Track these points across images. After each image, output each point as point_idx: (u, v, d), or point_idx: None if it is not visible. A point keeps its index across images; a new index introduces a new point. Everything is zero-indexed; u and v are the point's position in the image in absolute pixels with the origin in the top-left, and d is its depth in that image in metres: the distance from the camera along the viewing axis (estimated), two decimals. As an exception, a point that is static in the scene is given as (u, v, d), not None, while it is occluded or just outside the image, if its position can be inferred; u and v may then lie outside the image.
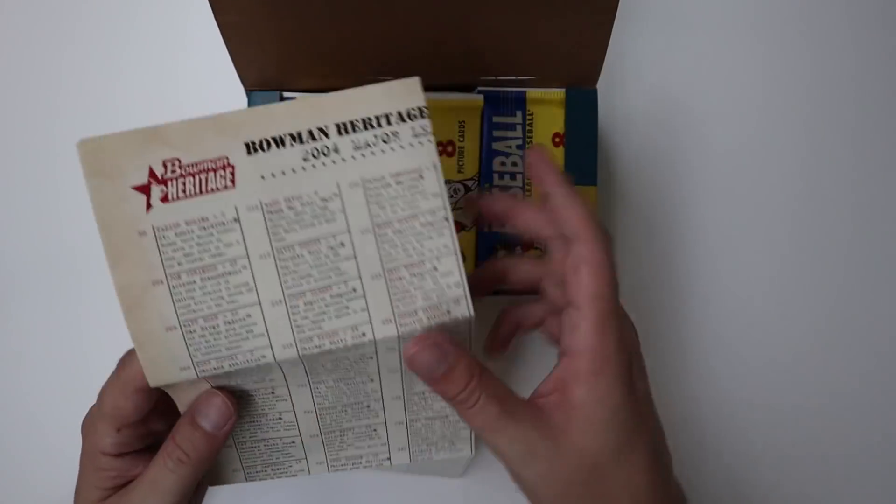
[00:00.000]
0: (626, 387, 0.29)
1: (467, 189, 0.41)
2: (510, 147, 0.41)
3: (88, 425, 0.32)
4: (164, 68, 0.48)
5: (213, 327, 0.27)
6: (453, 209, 0.40)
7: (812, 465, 0.47)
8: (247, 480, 0.33)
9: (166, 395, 0.30)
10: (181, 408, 0.30)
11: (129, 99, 0.48)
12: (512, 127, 0.41)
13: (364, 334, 0.28)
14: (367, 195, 0.27)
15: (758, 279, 0.48)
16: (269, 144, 0.27)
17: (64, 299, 0.47)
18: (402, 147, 0.27)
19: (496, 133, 0.41)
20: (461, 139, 0.41)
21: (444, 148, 0.41)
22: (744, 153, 0.49)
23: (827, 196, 0.49)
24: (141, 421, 0.31)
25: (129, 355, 0.29)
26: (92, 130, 0.47)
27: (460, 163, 0.41)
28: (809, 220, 0.49)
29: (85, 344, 0.46)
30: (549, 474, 0.29)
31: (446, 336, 0.28)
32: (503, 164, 0.41)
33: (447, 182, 0.40)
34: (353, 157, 0.27)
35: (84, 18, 0.48)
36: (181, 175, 0.27)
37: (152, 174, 0.27)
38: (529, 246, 0.41)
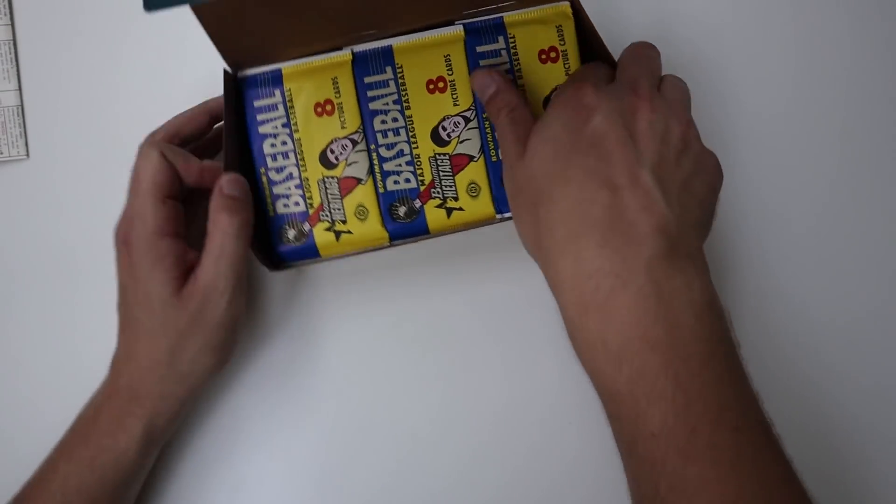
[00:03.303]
0: (565, 124, 0.35)
1: (467, 121, 0.42)
2: (500, 72, 0.41)
3: (128, 225, 0.37)
4: (151, 61, 0.48)
5: None
6: (458, 142, 0.41)
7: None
8: None
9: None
10: None
11: (120, 91, 0.48)
12: (497, 53, 0.42)
13: None
14: None
15: (759, 256, 0.47)
16: None
17: (63, 299, 0.47)
18: None
19: (483, 62, 0.42)
20: (450, 73, 0.41)
21: (436, 84, 0.41)
22: (742, 97, 0.48)
23: (836, 162, 0.48)
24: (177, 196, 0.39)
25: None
26: (84, 124, 0.48)
27: (454, 95, 0.41)
28: (820, 187, 0.48)
29: (84, 343, 0.46)
30: (509, 178, 0.38)
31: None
32: (496, 89, 0.41)
33: (446, 117, 0.42)
34: None
35: (78, 15, 0.49)
36: None
37: None
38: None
